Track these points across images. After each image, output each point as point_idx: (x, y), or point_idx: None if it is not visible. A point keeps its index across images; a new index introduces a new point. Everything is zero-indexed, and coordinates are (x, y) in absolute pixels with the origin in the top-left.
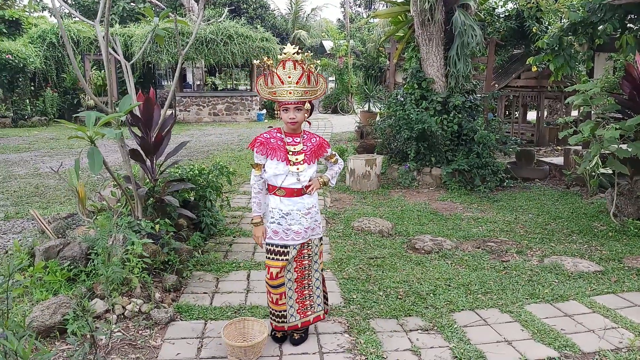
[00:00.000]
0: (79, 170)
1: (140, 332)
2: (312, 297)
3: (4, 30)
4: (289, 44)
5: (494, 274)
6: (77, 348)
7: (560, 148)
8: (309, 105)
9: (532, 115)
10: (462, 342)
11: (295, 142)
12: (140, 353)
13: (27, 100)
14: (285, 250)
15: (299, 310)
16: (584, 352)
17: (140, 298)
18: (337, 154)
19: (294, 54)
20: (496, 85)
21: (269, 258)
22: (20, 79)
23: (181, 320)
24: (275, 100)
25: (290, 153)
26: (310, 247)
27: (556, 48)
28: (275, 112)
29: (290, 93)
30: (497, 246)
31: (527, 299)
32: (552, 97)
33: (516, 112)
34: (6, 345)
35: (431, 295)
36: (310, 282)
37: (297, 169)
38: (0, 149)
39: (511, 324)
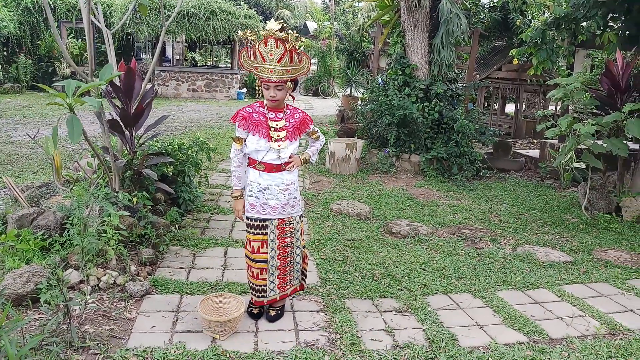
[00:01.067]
0: (57, 138)
1: (115, 304)
2: (291, 272)
3: None
4: (272, 20)
5: (468, 260)
6: (51, 317)
7: (536, 141)
8: (290, 84)
9: (510, 108)
10: (435, 325)
11: (277, 117)
12: (114, 324)
13: (0, 66)
14: (264, 224)
15: (279, 285)
16: (552, 338)
17: (116, 270)
18: (318, 130)
19: (276, 31)
20: (477, 75)
21: (249, 232)
22: None
23: (157, 293)
24: (257, 75)
25: (272, 129)
26: (292, 224)
27: (539, 42)
28: (256, 87)
29: (271, 71)
30: (471, 233)
31: (499, 285)
32: (531, 91)
33: (495, 104)
34: None
35: (406, 278)
36: (292, 259)
37: (279, 145)
38: None
39: (483, 309)
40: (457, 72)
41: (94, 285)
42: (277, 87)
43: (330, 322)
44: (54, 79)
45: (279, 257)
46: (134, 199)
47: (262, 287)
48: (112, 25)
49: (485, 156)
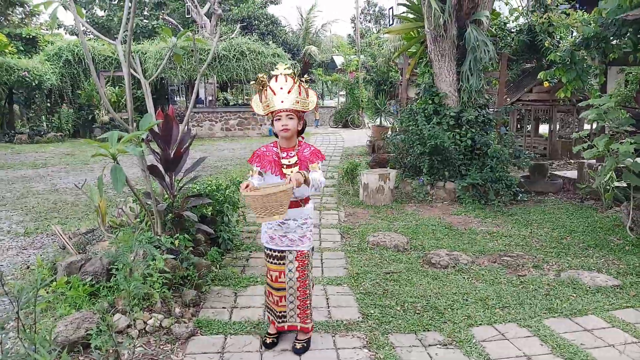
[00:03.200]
0: (102, 188)
1: (161, 347)
2: (311, 307)
3: (21, 47)
4: (280, 63)
5: (511, 288)
6: None
7: (573, 161)
8: (299, 122)
9: (544, 129)
10: (482, 357)
11: (289, 155)
12: None
13: (43, 117)
14: (282, 254)
15: (299, 315)
16: None
17: (161, 313)
18: (319, 168)
19: (285, 69)
20: (508, 99)
21: (268, 262)
22: (37, 96)
23: (201, 335)
24: (269, 113)
25: (285, 167)
26: (309, 257)
27: (568, 62)
28: (272, 128)
29: (282, 102)
30: (513, 260)
31: (545, 313)
32: (564, 111)
33: (528, 126)
34: (36, 359)
35: (449, 309)
36: (310, 292)
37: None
38: (17, 165)
39: (530, 339)
40: (487, 97)
41: (141, 329)
42: (289, 116)
43: (375, 359)
44: (93, 125)
45: (299, 288)
46: (176, 242)
47: (282, 313)
48: (146, 71)
49: (522, 180)
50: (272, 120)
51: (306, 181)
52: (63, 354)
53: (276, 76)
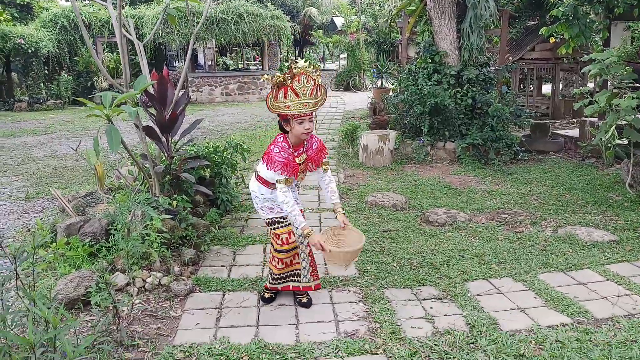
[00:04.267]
0: (98, 148)
1: (160, 303)
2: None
3: (16, 14)
4: (300, 59)
5: (507, 244)
6: (101, 319)
7: (576, 120)
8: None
9: (547, 88)
10: (475, 310)
11: (299, 153)
12: (161, 323)
13: (42, 84)
14: (284, 217)
15: (312, 273)
16: (597, 318)
17: (160, 271)
18: (328, 162)
19: (306, 67)
20: (510, 57)
21: (274, 228)
22: (34, 63)
23: (200, 292)
24: (288, 114)
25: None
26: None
27: (571, 17)
28: (282, 124)
29: (305, 105)
30: (510, 218)
31: (540, 268)
32: (567, 69)
33: (531, 85)
34: (36, 313)
35: (445, 265)
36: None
37: (302, 178)
38: (18, 132)
39: (524, 292)
40: (488, 55)
41: (140, 286)
42: (310, 119)
43: (370, 312)
44: (92, 92)
45: (308, 244)
46: (174, 203)
47: (297, 271)
48: (144, 36)
49: (523, 139)
50: (288, 120)
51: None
52: (60, 308)
53: (298, 75)
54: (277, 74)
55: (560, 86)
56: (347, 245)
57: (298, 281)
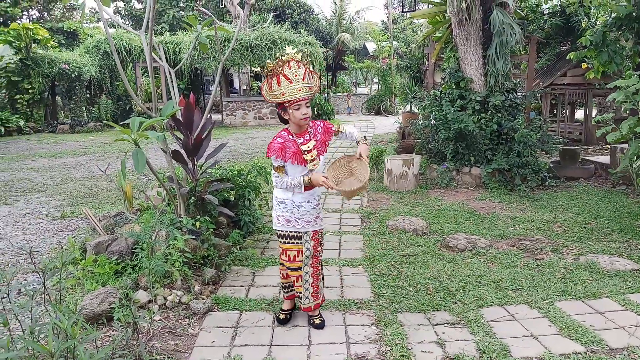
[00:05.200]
0: (125, 170)
1: (179, 321)
2: (320, 282)
3: (63, 41)
4: (288, 47)
5: (526, 271)
6: (121, 333)
7: (609, 147)
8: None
9: (581, 114)
10: (488, 336)
11: (305, 140)
12: (178, 340)
13: (84, 107)
14: (299, 234)
15: (312, 294)
16: (611, 347)
17: (181, 290)
18: (339, 124)
19: (295, 54)
20: (541, 83)
21: (284, 243)
22: (77, 87)
23: (218, 310)
24: (284, 102)
25: (305, 153)
26: (322, 235)
27: (600, 44)
28: (280, 114)
29: (299, 90)
30: (532, 244)
31: (558, 295)
32: (600, 95)
33: (563, 111)
34: (58, 325)
35: (461, 291)
36: (320, 269)
37: (314, 165)
38: (59, 154)
39: (539, 320)
40: (515, 81)
41: (161, 304)
42: (307, 104)
43: (382, 335)
44: (130, 115)
45: (312, 265)
46: (198, 224)
47: (299, 293)
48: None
49: (552, 165)
50: (286, 109)
51: (365, 139)
52: (79, 321)
53: (288, 62)
54: (269, 63)
55: (594, 112)
56: (355, 176)
57: (300, 302)
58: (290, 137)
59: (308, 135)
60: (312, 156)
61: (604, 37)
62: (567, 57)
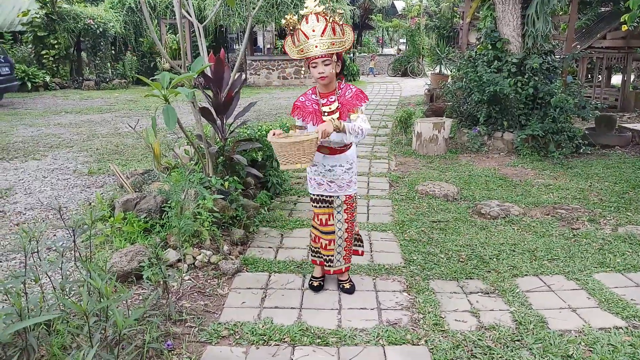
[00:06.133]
0: (155, 128)
1: (208, 281)
2: (351, 247)
3: None
4: (313, 1)
5: (562, 241)
6: (151, 293)
7: None
8: (335, 57)
9: (617, 79)
10: (524, 307)
11: (330, 101)
12: (208, 300)
13: (109, 64)
14: (330, 199)
15: (344, 257)
16: None
17: (210, 250)
18: (363, 115)
19: (315, 6)
20: (578, 46)
21: (316, 207)
22: (102, 43)
23: (247, 271)
24: (304, 58)
25: (325, 114)
26: (355, 200)
27: None
28: (305, 71)
29: (316, 47)
30: (567, 214)
31: (595, 267)
32: None
33: (599, 75)
34: (91, 284)
35: (494, 259)
36: (352, 234)
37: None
38: (84, 110)
39: (577, 292)
40: (553, 43)
41: (190, 263)
42: (325, 62)
43: (414, 302)
44: (155, 73)
45: (347, 230)
46: (226, 183)
47: (330, 257)
48: (205, 18)
49: (587, 132)
50: (309, 66)
51: (338, 129)
52: (112, 280)
53: (306, 16)
54: (289, 16)
55: (632, 77)
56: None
57: (330, 266)
58: (314, 96)
59: (334, 97)
60: (332, 119)
61: None
62: (618, 20)
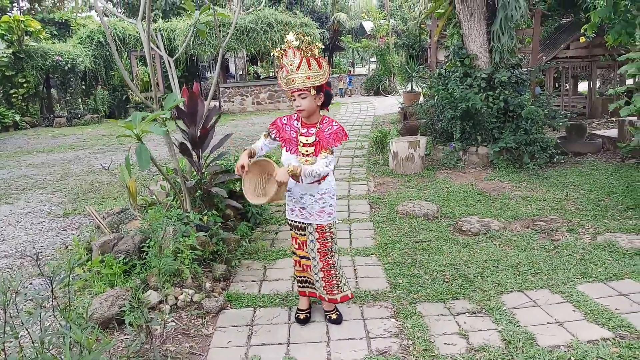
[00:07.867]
0: (129, 167)
1: (192, 321)
2: (337, 277)
3: (55, 32)
4: (290, 33)
5: (543, 253)
6: (134, 338)
7: (614, 120)
8: (318, 94)
9: (583, 87)
10: (511, 324)
11: (309, 133)
12: (193, 342)
13: (80, 99)
14: (303, 225)
15: (325, 287)
16: None
17: (192, 288)
18: (332, 156)
19: (293, 41)
20: (544, 57)
21: (292, 231)
22: (72, 79)
23: (231, 308)
24: (288, 90)
25: (302, 144)
26: (331, 230)
27: (612, 16)
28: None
29: (293, 81)
30: (547, 225)
31: (579, 278)
32: (604, 67)
33: (566, 84)
34: (71, 337)
35: (479, 277)
36: (334, 263)
37: (306, 161)
38: (57, 148)
39: (562, 305)
40: (520, 56)
41: (173, 304)
42: (301, 95)
43: (402, 328)
44: (128, 105)
45: (321, 259)
46: (205, 218)
47: (306, 278)
48: (176, 49)
49: (559, 141)
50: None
51: (295, 175)
52: (95, 330)
53: (286, 51)
54: (276, 51)
55: (598, 84)
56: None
57: (307, 287)
58: (296, 123)
59: (314, 129)
60: (307, 151)
61: (615, 7)
62: (580, 31)
